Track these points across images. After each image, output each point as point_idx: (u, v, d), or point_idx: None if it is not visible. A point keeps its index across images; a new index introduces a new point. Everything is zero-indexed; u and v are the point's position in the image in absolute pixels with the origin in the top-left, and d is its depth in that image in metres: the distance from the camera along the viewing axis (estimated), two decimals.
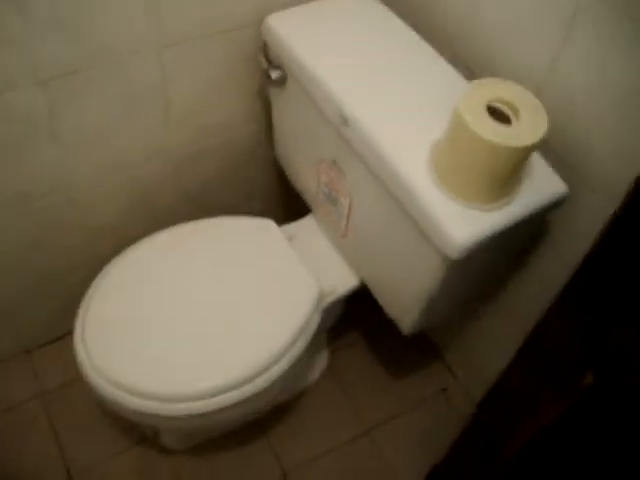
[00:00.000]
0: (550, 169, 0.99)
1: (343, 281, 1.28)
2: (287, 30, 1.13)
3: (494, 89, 0.88)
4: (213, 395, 1.11)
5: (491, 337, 1.42)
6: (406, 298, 1.12)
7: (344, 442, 1.50)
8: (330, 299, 1.26)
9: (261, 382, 1.14)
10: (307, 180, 1.31)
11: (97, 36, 1.06)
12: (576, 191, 1.02)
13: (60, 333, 1.56)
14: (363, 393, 1.57)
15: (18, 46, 1.00)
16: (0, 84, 1.03)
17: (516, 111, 0.86)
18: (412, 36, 1.14)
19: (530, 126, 0.85)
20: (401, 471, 1.46)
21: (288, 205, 1.63)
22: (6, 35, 0.97)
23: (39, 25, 0.99)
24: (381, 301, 1.23)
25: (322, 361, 1.59)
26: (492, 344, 1.42)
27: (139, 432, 1.45)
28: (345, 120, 1.03)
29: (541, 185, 0.96)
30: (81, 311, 1.16)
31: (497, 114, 0.87)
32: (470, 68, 1.13)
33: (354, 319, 1.57)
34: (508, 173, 0.88)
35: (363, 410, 1.55)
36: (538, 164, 0.99)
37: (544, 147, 1.01)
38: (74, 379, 1.48)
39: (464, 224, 0.91)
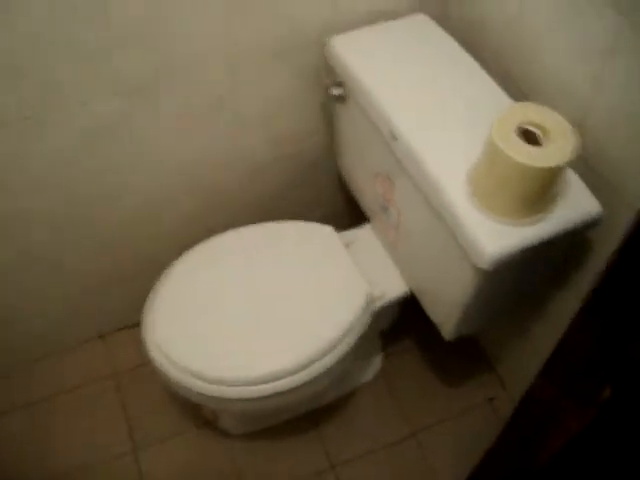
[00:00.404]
0: (587, 189, 1.02)
1: (393, 287, 1.35)
2: (347, 51, 1.22)
3: (526, 112, 0.93)
4: (266, 381, 1.21)
5: (539, 350, 1.44)
6: (446, 305, 1.19)
7: (391, 443, 1.56)
8: (380, 303, 1.33)
9: (311, 372, 1.23)
10: (365, 191, 1.39)
11: (175, 47, 1.16)
12: (617, 210, 1.04)
13: (132, 321, 1.65)
14: (413, 397, 1.63)
15: (98, 59, 1.11)
16: (83, 95, 1.15)
17: (547, 133, 0.91)
18: (465, 58, 1.21)
19: (560, 147, 0.90)
20: (443, 475, 1.51)
21: (352, 213, 1.71)
22: (86, 48, 1.09)
23: (117, 38, 1.10)
24: (425, 308, 1.29)
25: (376, 363, 1.66)
26: (540, 357, 1.43)
27: (200, 415, 1.57)
28: (394, 136, 1.11)
29: (575, 204, 1.00)
30: (150, 300, 1.29)
31: (529, 136, 0.93)
32: (521, 90, 1.18)
33: (409, 325, 1.63)
34: (538, 192, 0.93)
35: (412, 413, 1.60)
36: (576, 184, 1.02)
37: (586, 167, 1.05)
38: (144, 363, 1.62)
39: (496, 238, 0.97)
